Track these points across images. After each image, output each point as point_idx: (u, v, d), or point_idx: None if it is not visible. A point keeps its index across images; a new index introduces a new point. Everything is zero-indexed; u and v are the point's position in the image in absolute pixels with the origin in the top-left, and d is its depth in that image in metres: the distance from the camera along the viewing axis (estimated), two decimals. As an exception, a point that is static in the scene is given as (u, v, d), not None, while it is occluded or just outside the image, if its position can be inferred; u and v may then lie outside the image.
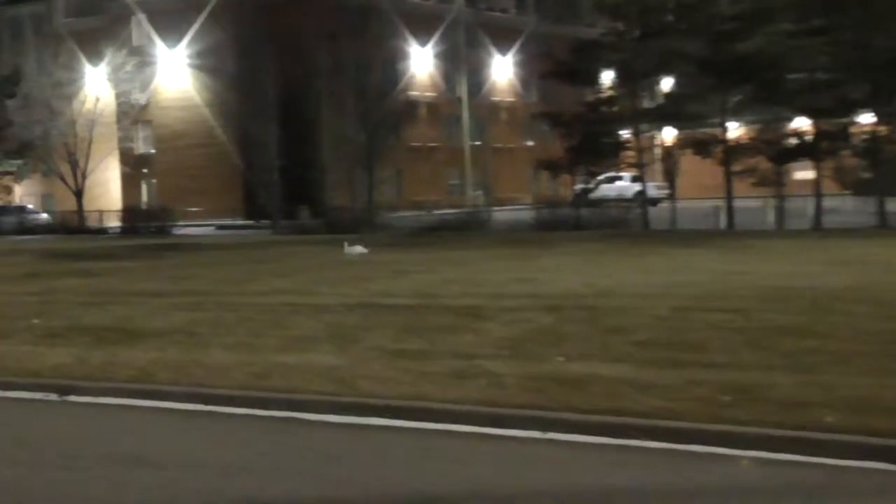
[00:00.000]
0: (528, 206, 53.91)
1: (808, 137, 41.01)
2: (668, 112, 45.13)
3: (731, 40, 39.54)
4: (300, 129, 61.17)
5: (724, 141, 42.04)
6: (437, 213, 49.46)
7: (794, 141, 41.66)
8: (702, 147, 42.58)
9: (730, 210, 40.75)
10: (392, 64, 70.32)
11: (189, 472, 8.36)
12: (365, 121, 56.53)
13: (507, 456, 8.56)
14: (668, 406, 9.20)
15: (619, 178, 57.76)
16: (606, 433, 8.81)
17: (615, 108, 46.50)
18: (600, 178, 50.91)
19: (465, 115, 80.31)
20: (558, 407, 9.37)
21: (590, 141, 45.50)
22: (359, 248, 28.74)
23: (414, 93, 73.93)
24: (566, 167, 47.51)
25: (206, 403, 10.55)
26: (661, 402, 9.35)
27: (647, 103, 47.42)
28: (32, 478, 8.39)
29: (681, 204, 44.77)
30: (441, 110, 78.95)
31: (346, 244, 29.59)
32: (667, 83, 48.40)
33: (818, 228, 37.86)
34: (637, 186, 52.27)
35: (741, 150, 41.50)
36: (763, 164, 40.89)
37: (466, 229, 44.72)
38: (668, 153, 50.07)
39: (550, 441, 8.86)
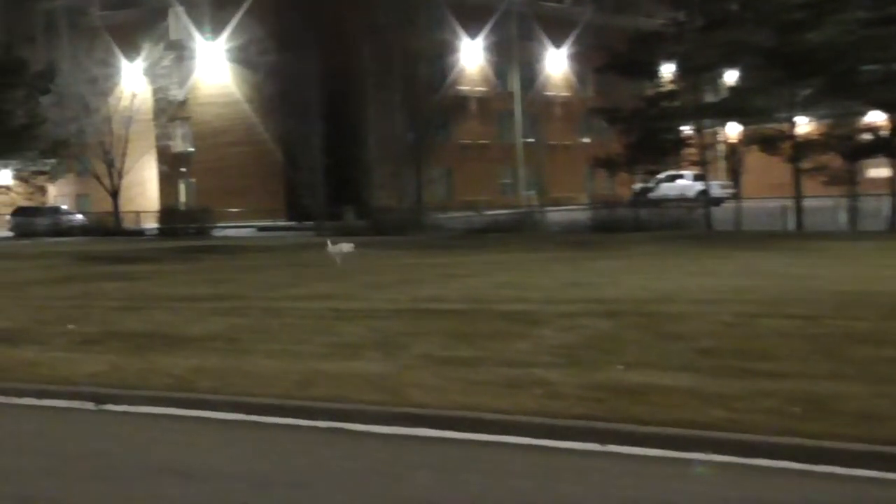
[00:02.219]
0: (584, 207, 53.77)
1: (884, 132, 40.58)
2: (733, 107, 44.77)
3: (800, 30, 39.19)
4: (345, 126, 61.35)
5: (792, 137, 41.69)
6: (488, 213, 49.38)
7: (867, 136, 41.22)
8: (768, 143, 42.25)
9: (799, 210, 40.42)
10: (441, 57, 70.37)
11: (229, 485, 8.39)
12: (413, 117, 56.64)
13: (563, 469, 8.53)
14: (734, 418, 9.13)
15: (680, 177, 57.55)
16: (668, 446, 8.75)
17: (676, 103, 46.25)
18: (660, 176, 50.70)
19: (518, 110, 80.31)
20: (617, 418, 9.33)
21: (649, 137, 45.28)
22: (345, 247, 28.68)
23: (464, 87, 73.99)
24: (624, 165, 47.30)
25: (248, 413, 10.58)
26: (726, 413, 9.28)
27: (709, 98, 47.10)
28: (68, 490, 8.45)
29: (746, 204, 44.48)
30: (492, 106, 78.93)
31: (329, 242, 29.59)
32: (731, 76, 48.03)
33: (894, 229, 37.48)
34: (699, 185, 51.99)
35: (811, 147, 41.12)
36: (834, 161, 40.51)
37: (519, 231, 44.65)
38: (733, 150, 49.72)
39: (609, 454, 8.82)
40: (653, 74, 48.03)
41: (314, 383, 11.31)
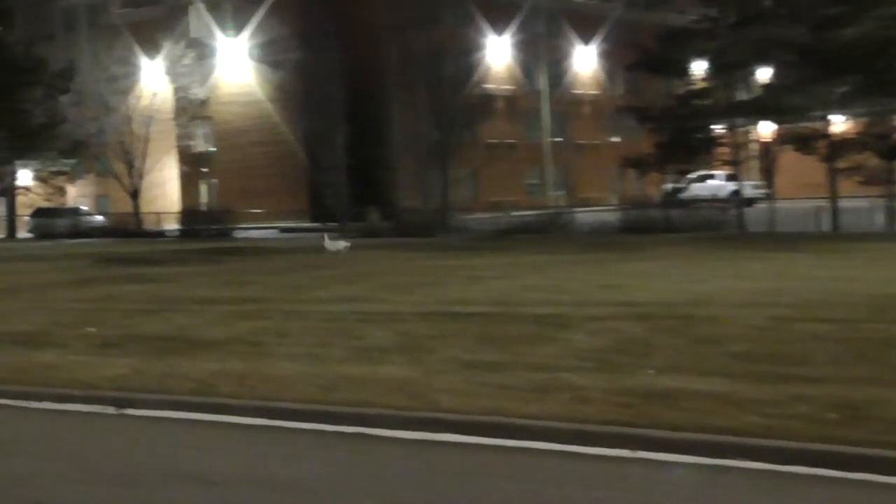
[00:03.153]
0: (613, 207, 53.68)
1: (923, 132, 40.40)
2: (766, 105, 44.61)
3: (835, 26, 39.01)
4: (369, 125, 61.44)
5: (827, 136, 41.55)
6: (515, 214, 49.33)
7: (905, 135, 41.04)
8: (803, 143, 42.11)
9: (834, 211, 40.28)
10: (467, 55, 70.24)
11: (252, 491, 8.41)
12: (438, 116, 56.61)
13: (593, 475, 8.51)
14: (768, 424, 9.09)
15: (712, 177, 57.41)
16: (701, 452, 8.72)
17: (708, 101, 46.12)
18: (691, 176, 50.59)
19: (546, 109, 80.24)
20: (648, 423, 9.31)
21: (680, 137, 45.18)
22: (341, 244, 28.77)
23: (490, 86, 73.90)
24: (655, 165, 47.21)
25: (271, 418, 10.60)
26: (760, 419, 9.25)
27: (742, 96, 46.95)
28: (89, 496, 8.49)
29: (780, 204, 44.35)
30: (519, 104, 78.87)
31: (326, 236, 29.65)
32: (764, 74, 47.88)
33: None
34: (732, 185, 51.87)
35: (847, 146, 40.95)
36: (871, 160, 40.33)
37: (547, 232, 44.61)
38: (766, 149, 49.60)
39: (640, 460, 8.79)
40: (684, 72, 47.89)
41: (338, 387, 11.32)
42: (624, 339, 13.73)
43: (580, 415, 9.71)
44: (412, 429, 9.86)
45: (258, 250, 39.01)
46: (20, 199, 71.29)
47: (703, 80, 47.03)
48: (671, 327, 14.42)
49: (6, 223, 70.71)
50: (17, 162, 69.24)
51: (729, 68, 44.69)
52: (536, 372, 11.62)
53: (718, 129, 46.56)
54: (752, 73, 47.90)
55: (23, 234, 69.35)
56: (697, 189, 52.39)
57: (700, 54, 47.04)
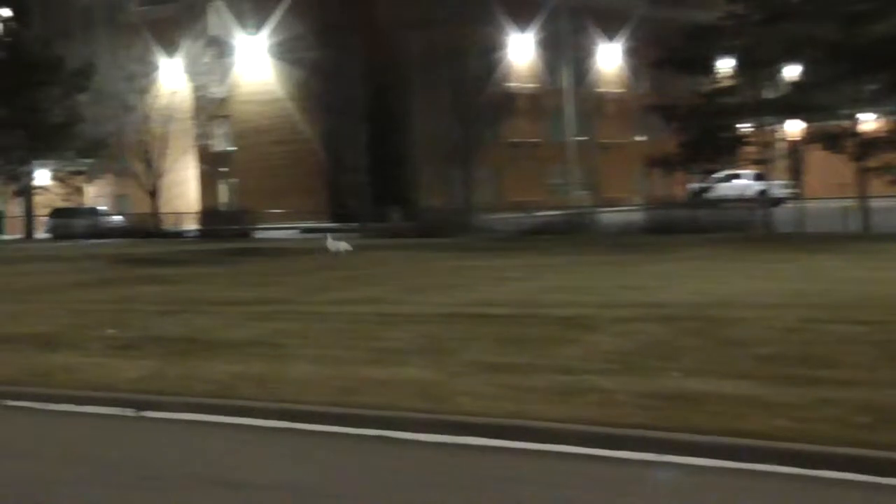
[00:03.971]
0: (638, 207, 53.62)
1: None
2: (794, 103, 44.47)
3: (866, 22, 38.84)
4: (390, 124, 61.53)
5: (857, 134, 41.37)
6: (538, 214, 49.31)
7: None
8: (832, 141, 41.95)
9: (864, 211, 40.10)
10: (489, 52, 70.25)
11: (272, 495, 8.43)
12: (460, 115, 56.69)
13: (619, 480, 8.51)
14: (797, 427, 9.07)
15: (739, 177, 57.29)
16: (728, 456, 8.71)
17: (735, 100, 45.98)
18: (718, 176, 50.48)
19: (570, 107, 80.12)
20: (675, 427, 9.29)
21: (706, 135, 45.06)
22: (342, 245, 28.74)
23: (513, 84, 73.94)
24: (680, 164, 47.10)
25: (291, 420, 10.62)
26: (788, 422, 9.22)
27: (770, 94, 46.82)
28: (108, 500, 8.52)
29: (808, 204, 44.20)
30: (543, 103, 78.84)
31: (328, 236, 29.66)
32: (792, 71, 47.72)
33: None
34: (759, 185, 51.76)
35: (877, 145, 40.76)
36: (901, 159, 40.16)
37: (571, 232, 44.56)
38: (794, 148, 49.46)
39: (666, 464, 8.78)
40: (710, 70, 47.76)
41: (360, 390, 11.34)
42: (650, 340, 13.71)
43: (605, 418, 9.71)
44: (435, 432, 9.87)
45: (278, 251, 39.08)
46: (38, 199, 71.58)
47: (730, 77, 46.89)
48: (698, 329, 14.39)
49: (24, 223, 71.03)
50: (35, 161, 69.53)
51: (756, 65, 44.57)
52: (561, 374, 11.62)
53: (745, 127, 46.42)
54: (779, 71, 47.73)
55: (40, 234, 69.61)
56: (724, 189, 52.34)
57: (727, 51, 46.91)
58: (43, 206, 71.71)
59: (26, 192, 70.44)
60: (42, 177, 71.44)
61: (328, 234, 30.37)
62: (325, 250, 28.45)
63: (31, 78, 66.14)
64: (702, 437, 9.02)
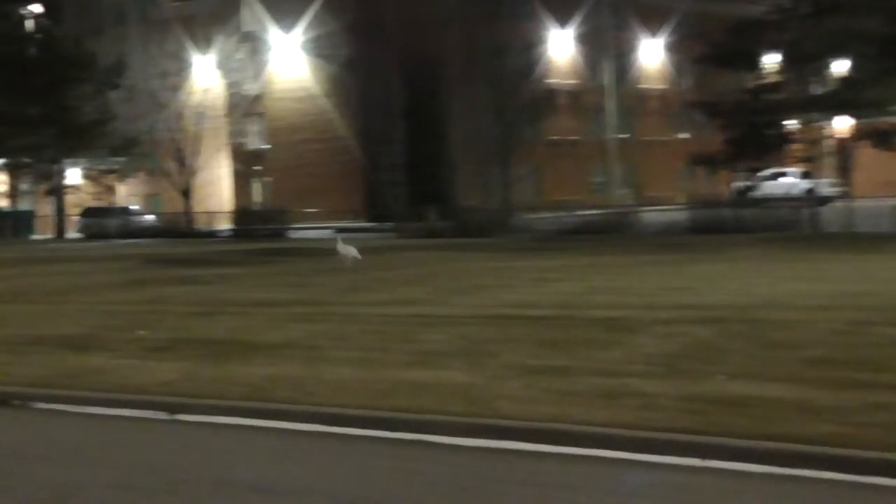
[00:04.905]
0: (681, 207, 53.44)
1: None
2: (843, 99, 44.26)
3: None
4: (427, 122, 61.58)
5: (907, 131, 41.14)
6: (579, 214, 49.27)
7: None
8: (882, 138, 41.77)
9: (914, 210, 39.86)
10: (529, 49, 70.26)
11: (307, 500, 8.43)
12: (499, 113, 56.69)
13: (662, 485, 8.48)
14: (847, 432, 9.01)
15: (785, 175, 57.04)
16: (774, 462, 8.65)
17: (781, 96, 45.84)
18: (763, 174, 50.26)
19: (611, 104, 80.00)
20: (719, 431, 9.25)
21: (752, 133, 44.95)
22: (352, 250, 28.63)
23: (553, 80, 73.88)
24: (725, 162, 47.01)
25: (327, 424, 10.62)
26: (837, 427, 9.16)
27: (817, 89, 46.62)
28: None
29: (857, 203, 43.91)
30: (583, 100, 78.77)
31: (339, 240, 29.62)
32: (841, 66, 47.48)
33: None
34: (806, 183, 51.49)
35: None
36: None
37: (612, 232, 44.49)
38: (842, 146, 49.19)
39: (710, 469, 8.74)
40: (755, 65, 47.64)
41: (397, 393, 11.34)
42: (694, 343, 13.66)
43: (648, 422, 9.67)
44: (474, 436, 9.85)
45: (313, 251, 39.15)
46: (69, 199, 72.05)
47: (776, 73, 46.75)
48: (743, 331, 14.33)
49: (55, 223, 71.48)
50: (67, 160, 70.03)
51: (803, 61, 44.40)
52: (603, 378, 11.59)
53: (792, 124, 46.26)
54: (827, 66, 47.52)
55: (72, 234, 70.04)
56: (770, 187, 52.12)
57: (772, 46, 46.75)
58: (74, 205, 72.15)
59: (57, 191, 70.93)
60: (73, 176, 71.96)
61: (338, 238, 30.32)
62: (337, 254, 28.44)
63: (62, 75, 66.65)
64: (747, 442, 8.97)
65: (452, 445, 9.77)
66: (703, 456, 8.90)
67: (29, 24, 71.57)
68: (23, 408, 12.40)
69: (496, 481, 8.71)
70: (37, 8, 70.94)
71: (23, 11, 71.14)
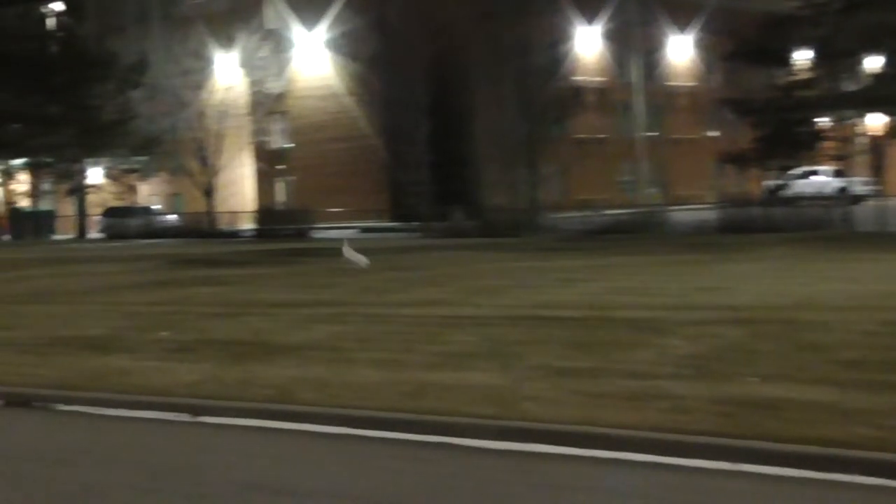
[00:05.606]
0: (711, 206, 53.31)
1: None
2: (876, 95, 44.08)
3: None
4: (453, 120, 61.56)
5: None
6: (607, 213, 49.21)
7: None
8: (916, 136, 41.56)
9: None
10: (555, 45, 70.18)
11: None
12: (525, 110, 56.60)
13: (692, 489, 8.45)
14: (882, 436, 8.96)
15: (816, 173, 56.85)
16: (808, 465, 8.62)
17: (813, 93, 45.68)
18: (795, 172, 50.11)
19: (639, 102, 79.84)
20: (751, 435, 9.21)
21: (783, 130, 44.83)
22: (362, 259, 28.52)
23: (580, 78, 73.78)
24: (755, 161, 46.91)
25: (352, 426, 10.63)
26: (872, 431, 9.12)
27: (850, 86, 46.42)
28: (163, 506, 8.58)
29: (890, 201, 43.75)
30: (611, 97, 78.66)
31: (345, 243, 29.64)
32: (874, 62, 47.29)
33: None
34: (838, 182, 51.30)
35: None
36: None
37: (641, 231, 44.42)
38: (876, 143, 49.01)
39: (741, 473, 8.71)
40: (787, 62, 47.48)
41: (422, 395, 11.34)
42: (724, 344, 13.62)
43: (678, 425, 9.64)
44: (501, 439, 9.85)
45: (337, 251, 39.18)
46: (90, 198, 72.34)
47: (808, 69, 46.59)
48: (775, 332, 14.29)
49: (76, 223, 71.79)
50: (88, 160, 70.31)
51: (836, 57, 44.22)
52: (632, 379, 11.57)
53: (824, 121, 46.09)
54: (860, 62, 47.33)
55: (93, 234, 70.32)
56: (801, 186, 51.92)
57: (804, 42, 46.58)
58: (96, 205, 72.43)
59: (79, 190, 71.25)
60: (95, 175, 72.24)
61: (345, 241, 30.38)
62: (342, 258, 28.46)
63: (83, 74, 66.92)
64: (778, 446, 8.94)
65: (478, 448, 9.76)
66: (735, 459, 8.88)
67: (50, 23, 71.91)
68: (44, 410, 12.46)
69: (523, 485, 8.70)
70: (58, 6, 71.27)
71: (44, 9, 71.48)
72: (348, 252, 28.68)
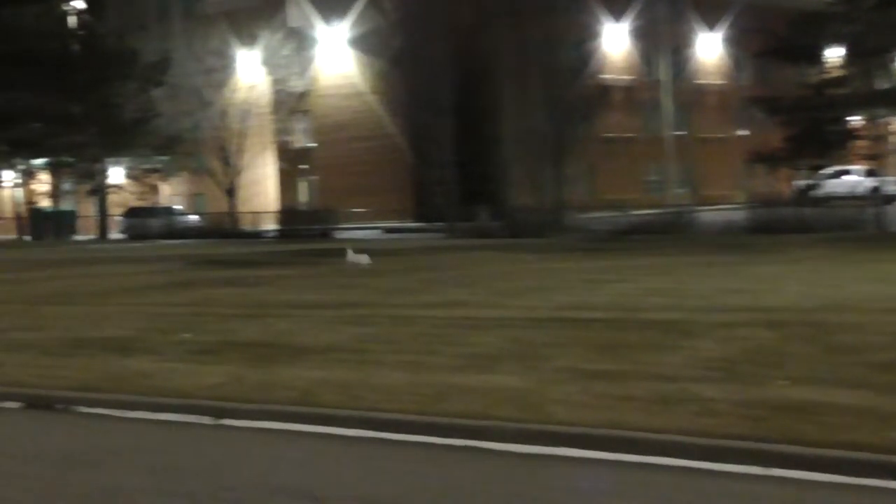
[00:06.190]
0: (740, 206, 53.16)
1: None
2: (909, 94, 43.92)
3: None
4: (478, 119, 61.51)
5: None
6: (634, 213, 49.14)
7: None
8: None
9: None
10: (583, 43, 70.08)
11: (357, 507, 8.46)
12: (552, 109, 56.47)
13: (722, 494, 8.42)
14: (915, 440, 8.94)
15: (848, 173, 56.63)
16: (840, 470, 8.59)
17: (845, 91, 45.51)
18: (826, 172, 49.92)
19: (667, 100, 79.66)
20: (782, 439, 9.18)
21: (814, 129, 44.67)
22: (362, 258, 28.68)
23: (608, 76, 73.65)
24: (786, 160, 46.76)
25: (376, 429, 10.63)
26: (905, 434, 9.10)
27: (883, 84, 46.22)
28: (183, 510, 8.60)
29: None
30: (639, 96, 78.53)
31: (349, 251, 29.80)
32: (908, 60, 47.12)
33: None
34: (871, 182, 51.07)
35: None
36: None
37: (669, 232, 44.32)
38: (908, 143, 48.77)
39: (772, 478, 8.68)
40: (818, 59, 47.32)
41: (447, 398, 11.34)
42: (754, 347, 13.58)
43: (707, 428, 9.62)
44: (526, 442, 9.84)
45: (361, 252, 39.22)
46: (112, 198, 72.57)
47: (840, 67, 46.41)
48: (806, 335, 14.24)
49: (98, 223, 72.03)
50: (109, 159, 70.53)
51: (868, 54, 44.04)
52: (660, 382, 11.54)
53: (856, 120, 45.91)
54: (893, 60, 47.11)
55: (115, 234, 70.53)
56: (833, 186, 51.69)
57: (836, 40, 46.41)
58: (117, 205, 72.65)
59: (100, 190, 71.49)
60: (116, 175, 72.48)
61: (349, 249, 30.57)
62: (348, 263, 28.59)
63: (105, 72, 67.17)
64: (810, 450, 8.90)
65: (504, 452, 9.76)
66: (765, 464, 8.85)
67: (71, 21, 72.18)
68: (66, 412, 12.50)
69: (549, 489, 8.69)
70: (79, 4, 71.54)
71: (65, 8, 71.75)
72: (351, 256, 28.93)
